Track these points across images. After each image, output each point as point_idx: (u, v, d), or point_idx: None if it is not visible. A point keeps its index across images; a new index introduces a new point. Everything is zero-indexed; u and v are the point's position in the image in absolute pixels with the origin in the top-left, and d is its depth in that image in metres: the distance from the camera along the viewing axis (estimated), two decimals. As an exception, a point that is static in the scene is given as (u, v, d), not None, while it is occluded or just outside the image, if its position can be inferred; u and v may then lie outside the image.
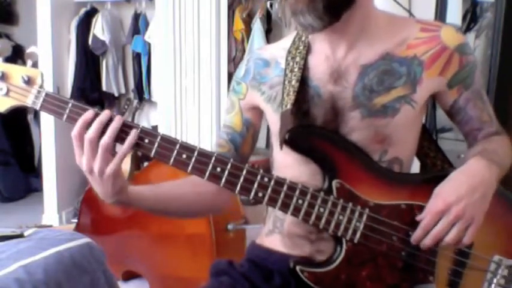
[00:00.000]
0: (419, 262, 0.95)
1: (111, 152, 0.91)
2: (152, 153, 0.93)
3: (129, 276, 2.60)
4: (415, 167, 1.12)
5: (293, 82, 0.99)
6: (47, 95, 0.94)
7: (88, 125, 0.90)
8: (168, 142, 0.93)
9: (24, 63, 3.68)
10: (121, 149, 0.92)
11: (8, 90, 0.96)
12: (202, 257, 2.18)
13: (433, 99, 1.06)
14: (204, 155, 0.94)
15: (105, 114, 0.91)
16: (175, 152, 0.93)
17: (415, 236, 0.93)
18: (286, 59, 1.03)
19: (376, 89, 0.97)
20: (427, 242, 0.92)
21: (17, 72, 0.96)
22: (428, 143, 1.11)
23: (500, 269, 0.97)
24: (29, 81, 0.95)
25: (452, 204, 0.90)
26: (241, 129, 1.12)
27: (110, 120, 0.91)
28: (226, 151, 1.11)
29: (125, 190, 0.96)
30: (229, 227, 2.26)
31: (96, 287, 1.47)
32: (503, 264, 0.97)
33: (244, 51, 3.42)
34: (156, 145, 0.93)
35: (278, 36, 3.38)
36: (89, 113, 0.91)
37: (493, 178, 0.94)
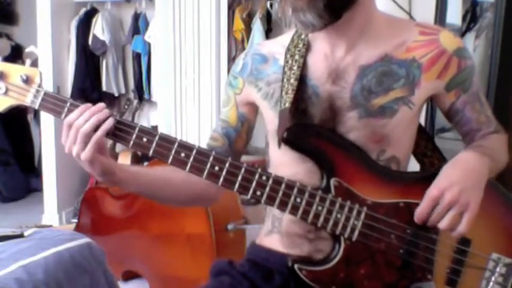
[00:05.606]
0: (417, 260, 0.95)
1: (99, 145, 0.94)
2: (151, 152, 0.94)
3: (129, 276, 2.60)
4: (416, 167, 1.12)
5: (292, 80, 0.99)
6: (45, 94, 0.95)
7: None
8: (167, 141, 0.94)
9: (24, 63, 3.68)
10: (94, 136, 0.92)
11: (7, 90, 0.96)
12: (202, 257, 2.18)
13: (431, 101, 1.06)
14: (203, 154, 0.94)
15: (99, 106, 0.93)
16: (174, 150, 0.93)
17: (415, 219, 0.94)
18: (285, 57, 1.03)
19: (375, 90, 0.97)
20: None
21: (15, 71, 0.96)
22: (425, 142, 1.11)
23: (498, 266, 0.97)
24: (27, 81, 0.96)
25: (445, 189, 0.90)
26: (236, 123, 1.12)
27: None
28: (220, 145, 1.11)
29: (110, 172, 0.96)
30: (229, 227, 2.26)
31: (96, 287, 1.47)
32: (501, 262, 0.97)
33: (244, 51, 3.42)
34: (154, 144, 0.94)
35: (278, 36, 3.38)
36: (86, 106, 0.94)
37: (485, 169, 0.94)
